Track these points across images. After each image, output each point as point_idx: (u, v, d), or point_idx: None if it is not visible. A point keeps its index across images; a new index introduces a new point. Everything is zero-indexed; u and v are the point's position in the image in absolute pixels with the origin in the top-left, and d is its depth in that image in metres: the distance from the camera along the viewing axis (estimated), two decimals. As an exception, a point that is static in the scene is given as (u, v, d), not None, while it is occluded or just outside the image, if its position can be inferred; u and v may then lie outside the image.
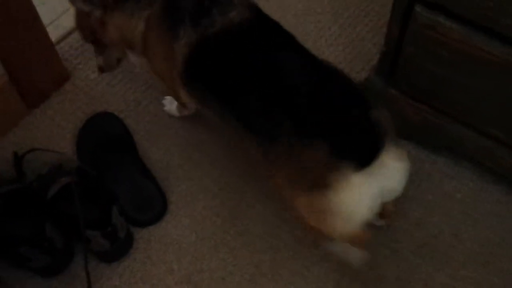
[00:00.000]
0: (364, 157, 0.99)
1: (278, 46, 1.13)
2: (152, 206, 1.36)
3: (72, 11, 1.66)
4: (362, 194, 1.01)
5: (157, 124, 1.49)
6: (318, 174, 1.01)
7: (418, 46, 1.19)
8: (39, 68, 1.48)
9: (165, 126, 1.49)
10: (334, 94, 1.05)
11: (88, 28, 1.29)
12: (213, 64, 1.15)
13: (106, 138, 1.42)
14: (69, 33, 1.63)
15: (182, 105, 1.41)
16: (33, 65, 1.47)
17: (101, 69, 1.40)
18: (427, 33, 1.15)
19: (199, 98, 1.24)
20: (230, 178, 1.41)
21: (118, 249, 1.28)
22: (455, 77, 1.19)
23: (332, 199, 1.02)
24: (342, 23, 1.65)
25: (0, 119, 1.46)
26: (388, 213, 1.28)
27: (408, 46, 1.21)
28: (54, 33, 1.59)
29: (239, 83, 1.11)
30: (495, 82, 1.15)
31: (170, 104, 1.49)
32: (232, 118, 1.16)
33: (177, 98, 1.36)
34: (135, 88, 1.55)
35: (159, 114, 1.51)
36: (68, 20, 1.65)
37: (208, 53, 1.15)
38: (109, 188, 1.32)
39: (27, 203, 1.22)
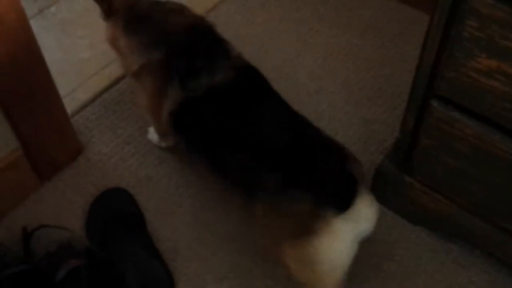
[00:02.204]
0: (342, 204, 1.07)
1: (259, 103, 1.21)
2: (159, 287, 1.34)
3: (88, 84, 1.70)
4: (344, 238, 1.10)
5: (167, 201, 1.48)
6: (302, 222, 1.09)
7: (434, 139, 1.19)
8: (53, 140, 1.49)
9: (175, 203, 1.48)
10: (311, 148, 1.14)
11: None
12: (195, 121, 1.24)
13: (116, 215, 1.41)
14: (85, 106, 1.64)
15: (162, 137, 1.52)
16: (48, 138, 1.47)
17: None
18: (443, 127, 1.15)
19: (185, 148, 1.38)
20: (239, 260, 1.38)
21: (124, 334, 1.25)
22: (471, 171, 1.18)
23: (317, 245, 1.09)
24: (355, 103, 1.66)
25: (12, 192, 1.45)
26: None
27: (424, 138, 1.20)
28: (69, 105, 1.61)
29: (219, 140, 1.22)
30: (508, 178, 1.14)
31: (153, 134, 1.56)
32: (217, 173, 1.26)
33: (158, 132, 1.51)
34: (148, 163, 1.55)
35: (170, 190, 1.50)
36: (84, 93, 1.68)
37: (191, 111, 1.24)
38: (118, 269, 1.30)
39: (34, 286, 1.20)
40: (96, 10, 1.35)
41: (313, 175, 1.10)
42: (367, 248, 1.38)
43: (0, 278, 1.17)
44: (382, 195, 1.43)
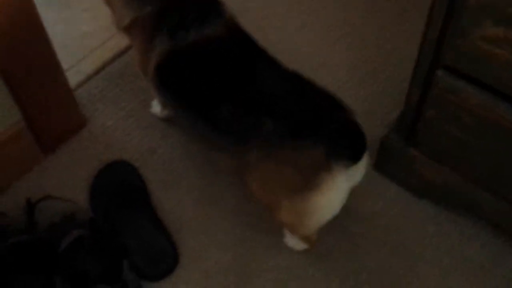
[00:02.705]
0: (354, 157, 1.05)
1: (251, 59, 1.18)
2: (164, 259, 1.34)
3: (91, 57, 1.68)
4: (343, 190, 1.09)
5: (171, 174, 1.48)
6: (307, 175, 1.05)
7: (439, 110, 1.18)
8: (56, 114, 1.49)
9: (180, 176, 1.48)
10: (314, 98, 1.10)
11: None
12: (183, 73, 1.22)
13: (120, 188, 1.41)
14: (88, 79, 1.64)
15: (162, 105, 1.50)
16: (51, 111, 1.47)
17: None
18: (448, 97, 1.14)
19: (170, 105, 1.34)
20: (243, 232, 1.38)
21: (128, 305, 1.26)
22: (476, 142, 1.17)
23: (317, 200, 1.07)
24: (359, 77, 1.64)
25: (15, 164, 1.46)
26: (312, 239, 1.30)
27: (429, 109, 1.19)
28: (73, 79, 1.60)
29: (210, 92, 1.17)
30: (514, 148, 1.13)
31: (156, 106, 1.55)
32: (205, 126, 1.22)
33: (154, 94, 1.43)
34: (151, 136, 1.55)
35: (174, 163, 1.50)
36: (87, 66, 1.67)
37: (180, 62, 1.22)
38: (121, 241, 1.30)
39: (37, 256, 1.21)
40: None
41: (323, 124, 1.06)
42: (371, 221, 1.39)
43: (4, 247, 1.17)
44: (386, 168, 1.44)
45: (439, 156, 1.28)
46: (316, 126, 1.06)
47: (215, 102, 1.17)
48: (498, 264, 1.32)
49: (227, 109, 1.14)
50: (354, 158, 1.06)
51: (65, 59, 1.48)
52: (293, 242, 1.33)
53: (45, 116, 1.46)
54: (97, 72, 1.66)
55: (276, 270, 1.33)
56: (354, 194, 1.40)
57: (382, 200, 1.42)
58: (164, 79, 1.26)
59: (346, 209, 1.39)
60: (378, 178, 1.45)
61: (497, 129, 1.11)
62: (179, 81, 1.24)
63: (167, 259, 1.34)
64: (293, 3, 1.84)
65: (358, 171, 1.10)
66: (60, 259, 1.19)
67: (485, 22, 0.99)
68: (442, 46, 1.08)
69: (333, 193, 1.08)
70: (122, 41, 1.72)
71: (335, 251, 1.35)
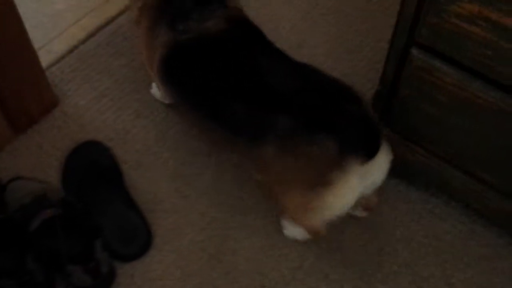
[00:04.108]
0: (368, 154, 1.03)
1: (258, 53, 1.16)
2: (137, 239, 1.33)
3: (64, 36, 1.66)
4: (357, 188, 1.05)
5: (145, 154, 1.47)
6: (320, 171, 1.03)
7: (413, 88, 1.18)
8: (27, 92, 1.46)
9: (154, 156, 1.46)
10: (327, 91, 1.07)
11: None
12: (189, 67, 1.19)
13: (92, 168, 1.39)
14: (61, 58, 1.61)
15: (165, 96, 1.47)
16: (22, 89, 1.44)
17: None
18: (423, 76, 1.14)
19: (174, 98, 1.31)
20: (218, 213, 1.38)
21: (100, 285, 1.24)
22: (449, 120, 1.18)
23: (330, 197, 1.04)
24: (336, 57, 1.64)
25: (-14, 144, 1.43)
26: (372, 204, 1.30)
27: (403, 88, 1.20)
28: (45, 58, 1.57)
29: (218, 88, 1.15)
30: (488, 127, 1.14)
31: (156, 89, 1.52)
32: (213, 122, 1.20)
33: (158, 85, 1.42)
34: (125, 116, 1.53)
35: (148, 144, 1.48)
36: (60, 45, 1.64)
37: (183, 56, 1.19)
38: (94, 220, 1.28)
39: (8, 235, 1.19)
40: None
41: (337, 119, 1.04)
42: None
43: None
44: (361, 148, 1.44)
45: (413, 135, 1.29)
46: (329, 120, 1.04)
47: (225, 99, 1.15)
48: (467, 242, 1.34)
49: (239, 106, 1.12)
50: (368, 154, 1.03)
51: (37, 38, 1.46)
52: (294, 232, 1.30)
53: (17, 95, 1.44)
54: (70, 51, 1.64)
55: (251, 250, 1.33)
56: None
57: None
58: (169, 74, 1.23)
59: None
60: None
61: (471, 107, 1.12)
62: (184, 76, 1.22)
63: (140, 239, 1.33)
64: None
65: (376, 168, 1.07)
66: (32, 238, 1.18)
67: (459, -1, 0.99)
68: (417, 24, 1.08)
69: (346, 190, 1.05)
70: (95, 20, 1.70)
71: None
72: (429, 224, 1.36)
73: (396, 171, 1.39)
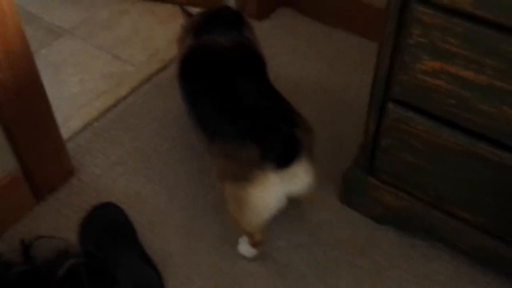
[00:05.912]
0: (282, 162, 1.28)
1: (243, 70, 1.48)
2: (151, 290, 1.44)
3: (79, 114, 1.83)
4: (274, 190, 1.31)
5: (157, 214, 1.60)
6: (244, 168, 1.29)
7: (393, 138, 1.34)
8: (50, 164, 1.62)
9: (164, 215, 1.60)
10: (272, 112, 1.36)
11: None
12: (189, 68, 1.56)
13: (108, 226, 1.52)
14: (78, 133, 1.78)
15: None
16: (45, 162, 1.60)
17: None
18: (400, 126, 1.31)
19: (185, 100, 1.57)
20: (226, 263, 1.50)
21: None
22: (427, 165, 1.34)
23: (250, 191, 1.30)
24: (323, 122, 1.82)
25: (10, 210, 1.56)
26: (307, 199, 1.56)
27: (384, 139, 1.36)
28: (63, 134, 1.73)
29: (201, 88, 1.48)
30: (462, 169, 1.29)
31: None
32: (192, 115, 1.50)
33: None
34: (136, 181, 1.68)
35: (159, 205, 1.62)
36: (76, 122, 1.82)
37: (191, 57, 1.56)
38: (112, 273, 1.40)
39: (36, 285, 1.30)
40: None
41: (266, 132, 1.31)
42: (339, 249, 1.52)
43: (7, 276, 1.26)
44: (351, 200, 1.58)
45: (396, 182, 1.44)
46: (262, 132, 1.31)
47: (202, 98, 1.46)
48: (456, 281, 1.46)
49: (208, 107, 1.43)
50: (284, 162, 1.28)
51: (56, 118, 1.63)
52: (244, 249, 1.51)
53: (40, 167, 1.59)
54: (84, 127, 1.81)
55: (256, 295, 1.44)
56: (321, 224, 1.56)
57: (348, 229, 1.56)
58: (182, 73, 1.58)
59: (315, 238, 1.53)
60: (345, 209, 1.60)
61: (444, 152, 1.28)
62: (188, 76, 1.55)
63: (154, 289, 1.44)
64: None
65: (296, 178, 1.31)
66: (58, 286, 1.28)
67: (423, 57, 1.17)
68: (390, 81, 1.27)
69: (265, 188, 1.29)
70: (107, 101, 1.89)
71: (308, 276, 1.47)
72: (420, 266, 1.48)
73: (384, 219, 1.53)
